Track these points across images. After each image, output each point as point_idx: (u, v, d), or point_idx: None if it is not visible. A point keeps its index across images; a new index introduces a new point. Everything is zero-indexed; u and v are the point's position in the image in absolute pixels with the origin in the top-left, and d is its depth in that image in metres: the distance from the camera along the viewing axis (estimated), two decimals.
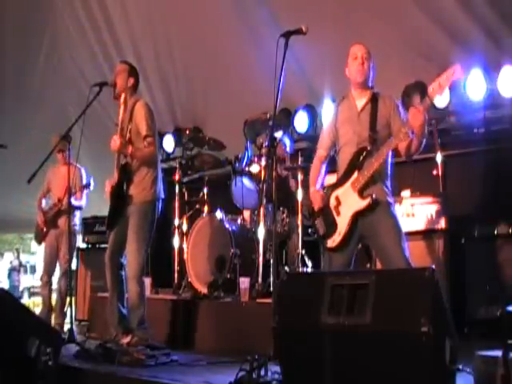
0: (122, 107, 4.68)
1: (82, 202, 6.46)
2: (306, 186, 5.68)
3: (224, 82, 7.05)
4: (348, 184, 3.78)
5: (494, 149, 5.22)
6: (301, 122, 6.61)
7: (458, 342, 2.80)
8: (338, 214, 3.81)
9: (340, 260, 3.80)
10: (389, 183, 3.83)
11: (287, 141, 5.84)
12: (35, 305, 12.92)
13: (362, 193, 3.71)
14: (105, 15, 7.70)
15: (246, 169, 5.67)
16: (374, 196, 3.68)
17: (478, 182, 5.23)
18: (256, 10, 6.47)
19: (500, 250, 4.52)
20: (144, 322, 4.53)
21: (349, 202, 3.76)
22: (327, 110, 6.35)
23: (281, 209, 5.54)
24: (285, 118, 6.60)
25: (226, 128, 6.86)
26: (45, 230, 6.40)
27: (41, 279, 6.51)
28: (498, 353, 2.55)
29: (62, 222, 6.32)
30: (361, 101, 3.88)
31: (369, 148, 3.73)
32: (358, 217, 3.72)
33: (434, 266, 2.73)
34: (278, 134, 6.00)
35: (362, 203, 3.69)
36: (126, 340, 4.45)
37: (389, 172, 3.82)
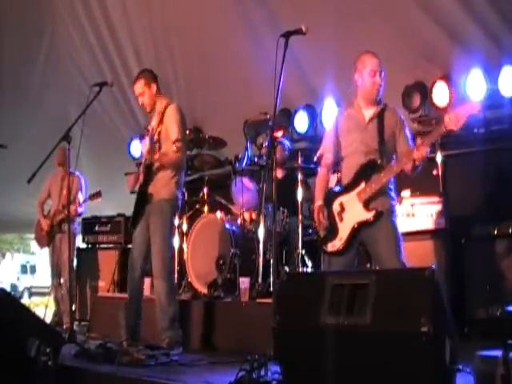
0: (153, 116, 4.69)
1: (83, 209, 6.67)
2: (306, 185, 5.71)
3: (224, 82, 7.05)
4: (354, 193, 3.82)
5: (494, 149, 5.22)
6: (301, 122, 6.60)
7: (457, 342, 2.81)
8: (341, 220, 3.85)
9: (340, 264, 3.83)
10: (392, 187, 3.88)
11: (286, 143, 5.84)
12: (35, 305, 12.93)
13: (367, 205, 3.76)
14: (105, 15, 7.69)
15: (246, 169, 5.68)
16: (378, 209, 3.73)
17: (478, 182, 5.23)
18: (256, 10, 6.46)
19: (500, 250, 4.52)
20: (175, 322, 4.47)
21: (353, 211, 3.81)
22: (328, 110, 6.34)
23: (281, 209, 5.55)
24: (285, 118, 6.59)
25: (226, 128, 6.86)
26: (50, 235, 6.58)
27: (53, 284, 6.65)
28: (498, 353, 2.55)
29: (66, 226, 6.42)
30: (368, 111, 3.93)
31: (379, 162, 3.79)
32: (360, 226, 3.77)
33: (434, 266, 2.74)
34: (279, 133, 6.00)
35: (367, 215, 3.75)
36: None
37: (392, 178, 3.87)
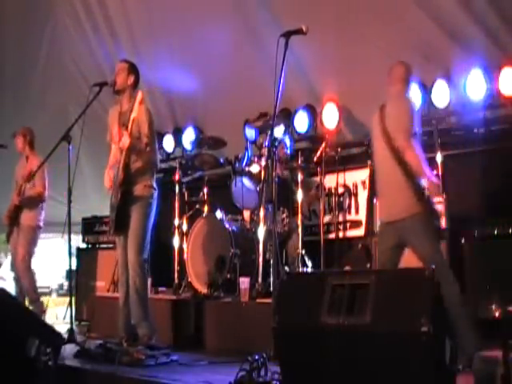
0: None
1: (39, 191, 6.10)
2: (306, 186, 5.71)
3: (224, 82, 7.05)
4: None
5: (494, 149, 5.22)
6: (301, 122, 6.59)
7: (457, 342, 2.81)
8: None
9: None
10: None
11: (288, 141, 5.83)
12: None
13: None
14: (105, 15, 7.70)
15: (246, 169, 5.67)
16: None
17: (478, 182, 5.23)
18: (257, 10, 6.46)
19: (500, 250, 4.52)
20: (148, 318, 4.51)
21: None
22: (328, 110, 6.33)
23: (281, 209, 5.54)
24: (285, 118, 6.58)
25: (226, 128, 6.85)
26: (10, 227, 6.17)
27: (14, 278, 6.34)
28: (498, 353, 2.55)
29: (22, 217, 6.10)
30: None
31: None
32: None
33: (434, 266, 2.74)
34: (279, 131, 5.98)
35: None
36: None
37: None
